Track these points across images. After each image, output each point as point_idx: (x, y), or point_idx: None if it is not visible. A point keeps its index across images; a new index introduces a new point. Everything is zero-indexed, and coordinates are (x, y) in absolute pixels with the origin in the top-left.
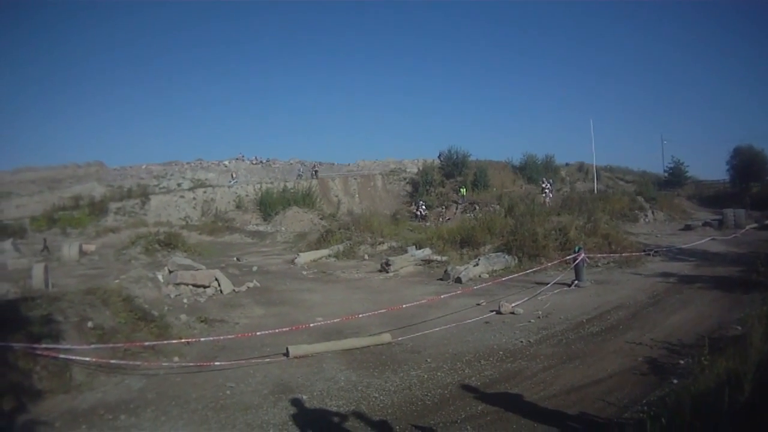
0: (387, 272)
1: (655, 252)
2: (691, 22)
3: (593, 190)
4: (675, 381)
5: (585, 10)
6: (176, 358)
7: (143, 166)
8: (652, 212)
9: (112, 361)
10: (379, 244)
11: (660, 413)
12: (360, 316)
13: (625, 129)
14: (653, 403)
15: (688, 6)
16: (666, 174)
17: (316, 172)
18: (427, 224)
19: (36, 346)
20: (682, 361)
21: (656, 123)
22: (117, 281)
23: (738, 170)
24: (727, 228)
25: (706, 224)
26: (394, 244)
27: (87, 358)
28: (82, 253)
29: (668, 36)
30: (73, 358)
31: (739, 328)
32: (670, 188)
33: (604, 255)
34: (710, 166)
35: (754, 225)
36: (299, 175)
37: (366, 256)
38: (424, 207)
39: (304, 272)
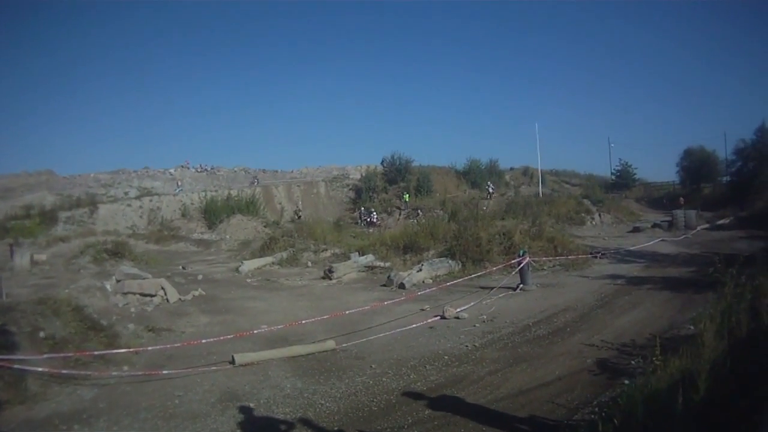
0: (330, 279)
1: (602, 254)
2: (638, 22)
3: (538, 194)
4: (627, 381)
5: (528, 11)
6: (125, 367)
7: (92, 175)
8: (599, 215)
9: (64, 371)
10: (323, 251)
11: (612, 414)
12: (304, 322)
13: (572, 132)
14: (605, 404)
15: (634, 6)
16: (614, 177)
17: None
18: (371, 231)
19: None
20: (633, 362)
21: (603, 126)
22: (67, 291)
23: (689, 171)
24: (678, 229)
25: (655, 226)
26: (337, 250)
27: (40, 369)
28: (34, 262)
29: (614, 37)
30: (28, 368)
31: (691, 328)
32: (618, 191)
33: (550, 258)
34: (660, 168)
35: (706, 225)
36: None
37: (309, 263)
38: (375, 214)
39: (249, 280)
